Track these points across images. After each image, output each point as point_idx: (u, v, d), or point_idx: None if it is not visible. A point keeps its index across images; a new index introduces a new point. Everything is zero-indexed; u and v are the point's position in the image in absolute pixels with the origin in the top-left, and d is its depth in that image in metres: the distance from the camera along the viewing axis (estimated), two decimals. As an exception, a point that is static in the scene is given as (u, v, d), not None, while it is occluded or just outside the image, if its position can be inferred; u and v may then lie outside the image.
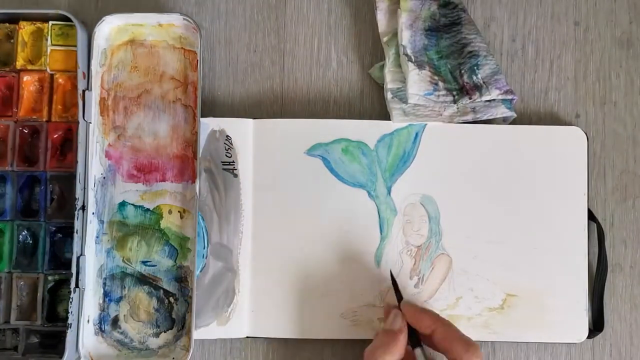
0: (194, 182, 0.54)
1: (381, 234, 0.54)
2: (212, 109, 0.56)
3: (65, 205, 0.54)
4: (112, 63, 0.55)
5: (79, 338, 0.51)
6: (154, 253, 0.54)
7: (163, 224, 0.54)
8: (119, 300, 0.54)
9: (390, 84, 0.54)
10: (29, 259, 0.53)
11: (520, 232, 0.54)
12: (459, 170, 0.54)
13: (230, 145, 0.54)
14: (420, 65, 0.54)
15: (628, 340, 0.55)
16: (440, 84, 0.54)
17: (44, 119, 0.54)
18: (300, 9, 0.57)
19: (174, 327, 0.53)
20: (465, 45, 0.54)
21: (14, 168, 0.54)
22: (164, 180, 0.54)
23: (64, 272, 0.53)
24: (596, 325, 0.54)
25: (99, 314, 0.53)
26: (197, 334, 0.52)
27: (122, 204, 0.54)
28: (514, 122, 0.55)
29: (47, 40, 0.54)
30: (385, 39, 0.55)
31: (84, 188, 0.52)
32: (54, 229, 0.53)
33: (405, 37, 0.54)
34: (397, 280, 0.52)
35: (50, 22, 0.54)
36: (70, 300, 0.51)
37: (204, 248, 0.54)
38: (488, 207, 0.54)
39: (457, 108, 0.54)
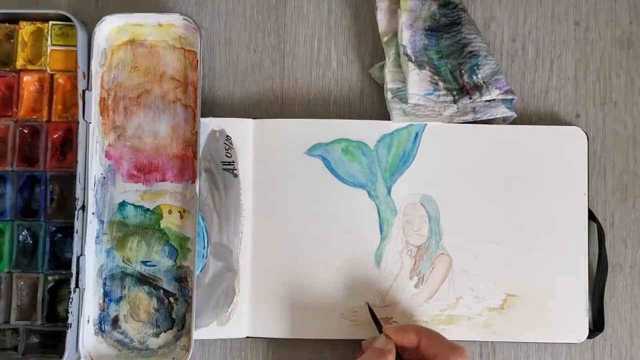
0: (194, 182, 0.54)
1: (381, 234, 0.54)
2: (212, 109, 0.56)
3: (65, 205, 0.54)
4: (112, 63, 0.55)
5: (79, 338, 0.51)
6: (154, 253, 0.54)
7: (163, 224, 0.54)
8: (119, 300, 0.54)
9: (390, 84, 0.54)
10: (29, 259, 0.53)
11: (520, 232, 0.54)
12: (459, 170, 0.54)
13: (230, 145, 0.54)
14: (420, 65, 0.54)
15: (628, 340, 0.55)
16: (441, 84, 0.54)
17: (44, 119, 0.54)
18: (300, 9, 0.57)
19: (174, 327, 0.53)
20: (466, 45, 0.54)
21: (14, 168, 0.54)
22: (164, 180, 0.54)
23: (64, 272, 0.53)
24: (596, 325, 0.54)
25: (99, 314, 0.53)
26: (197, 334, 0.52)
27: (122, 204, 0.54)
28: (514, 122, 0.55)
29: (47, 40, 0.54)
30: (385, 39, 0.55)
31: (84, 188, 0.52)
32: (54, 229, 0.53)
33: (405, 37, 0.54)
34: (375, 310, 0.52)
35: (50, 22, 0.54)
36: (70, 300, 0.51)
37: (204, 248, 0.54)
38: (488, 207, 0.54)
39: (457, 108, 0.54)
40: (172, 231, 0.54)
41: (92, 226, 0.53)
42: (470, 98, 0.53)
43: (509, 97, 0.53)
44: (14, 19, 0.55)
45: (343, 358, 0.54)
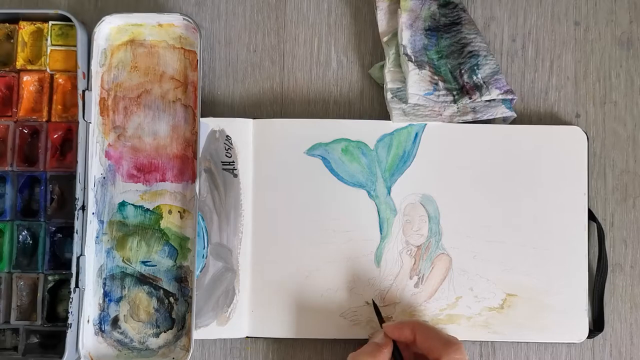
0: (193, 182, 0.54)
1: (381, 233, 0.54)
2: (212, 109, 0.56)
3: (65, 205, 0.54)
4: (112, 63, 0.55)
5: (79, 338, 0.51)
6: (154, 253, 0.54)
7: (163, 224, 0.54)
8: (119, 300, 0.54)
9: (390, 84, 0.54)
10: (29, 259, 0.53)
11: (520, 232, 0.54)
12: (459, 170, 0.54)
13: (230, 145, 0.54)
14: (420, 65, 0.54)
15: (628, 340, 0.55)
16: (440, 83, 0.54)
17: (44, 119, 0.54)
18: (300, 9, 0.57)
19: (174, 327, 0.53)
20: (465, 45, 0.54)
21: (14, 168, 0.54)
22: (163, 180, 0.54)
23: (64, 272, 0.53)
24: (596, 325, 0.54)
25: (99, 314, 0.53)
26: (197, 334, 0.52)
27: (122, 204, 0.54)
28: (514, 122, 0.55)
29: (47, 40, 0.54)
30: (385, 39, 0.55)
31: (84, 188, 0.52)
32: (54, 229, 0.53)
33: (405, 37, 0.54)
34: (379, 305, 0.53)
35: (50, 22, 0.54)
36: (70, 300, 0.51)
37: (204, 248, 0.54)
38: (488, 207, 0.54)
39: (457, 108, 0.54)
40: (172, 231, 0.54)
41: (92, 226, 0.53)
42: (470, 98, 0.53)
43: (509, 97, 0.53)
44: (14, 19, 0.55)
45: (343, 358, 0.54)
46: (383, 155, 0.54)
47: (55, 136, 0.54)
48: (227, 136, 0.54)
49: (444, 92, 0.54)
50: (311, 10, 0.57)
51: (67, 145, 0.54)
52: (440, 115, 0.54)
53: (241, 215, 0.54)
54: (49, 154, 0.54)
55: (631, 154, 0.56)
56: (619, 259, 0.55)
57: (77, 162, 0.52)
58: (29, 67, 0.54)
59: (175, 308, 0.54)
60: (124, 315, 0.53)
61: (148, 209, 0.54)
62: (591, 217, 0.54)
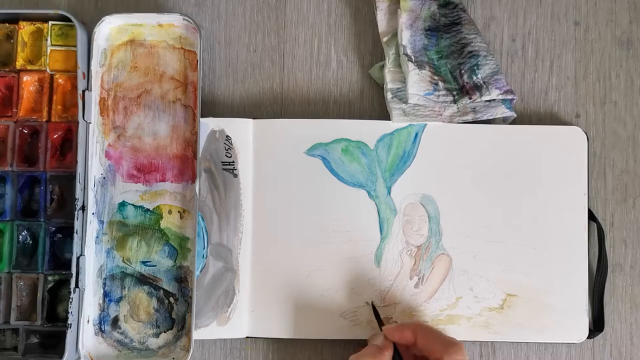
0: (193, 182, 0.54)
1: (381, 234, 0.54)
2: (212, 109, 0.56)
3: (65, 205, 0.54)
4: (112, 63, 0.55)
5: (78, 338, 0.51)
6: (154, 253, 0.54)
7: (163, 224, 0.54)
8: (119, 300, 0.54)
9: (390, 84, 0.54)
10: (29, 259, 0.53)
11: (520, 232, 0.54)
12: (458, 170, 0.54)
13: (230, 145, 0.54)
14: (420, 65, 0.54)
15: (628, 340, 0.55)
16: (440, 84, 0.54)
17: (44, 119, 0.54)
18: (300, 9, 0.57)
19: (174, 327, 0.53)
20: (465, 45, 0.54)
21: (14, 168, 0.54)
22: (163, 180, 0.54)
23: (64, 272, 0.53)
24: (596, 325, 0.54)
25: (99, 314, 0.53)
26: (197, 334, 0.52)
27: (122, 204, 0.54)
28: (514, 122, 0.55)
29: (47, 40, 0.54)
30: (385, 39, 0.55)
31: (84, 188, 0.52)
32: (53, 229, 0.53)
33: (405, 37, 0.54)
34: (379, 309, 0.53)
35: (50, 22, 0.54)
36: (70, 300, 0.51)
37: (204, 248, 0.54)
38: (488, 207, 0.54)
39: (457, 108, 0.54)
40: (172, 231, 0.54)
41: (92, 226, 0.53)
42: (470, 98, 0.53)
43: (509, 97, 0.53)
44: (14, 19, 0.55)
45: (343, 358, 0.54)
46: (383, 155, 0.54)
47: (55, 136, 0.54)
48: (227, 136, 0.54)
49: (444, 92, 0.54)
50: (311, 11, 0.57)
51: (67, 145, 0.54)
52: (440, 115, 0.54)
53: (241, 215, 0.54)
54: (49, 154, 0.54)
55: (631, 154, 0.56)
56: (619, 259, 0.55)
57: (77, 162, 0.52)
58: (29, 67, 0.54)
59: (175, 308, 0.54)
60: (124, 316, 0.53)
61: (148, 209, 0.54)
62: (591, 217, 0.54)
